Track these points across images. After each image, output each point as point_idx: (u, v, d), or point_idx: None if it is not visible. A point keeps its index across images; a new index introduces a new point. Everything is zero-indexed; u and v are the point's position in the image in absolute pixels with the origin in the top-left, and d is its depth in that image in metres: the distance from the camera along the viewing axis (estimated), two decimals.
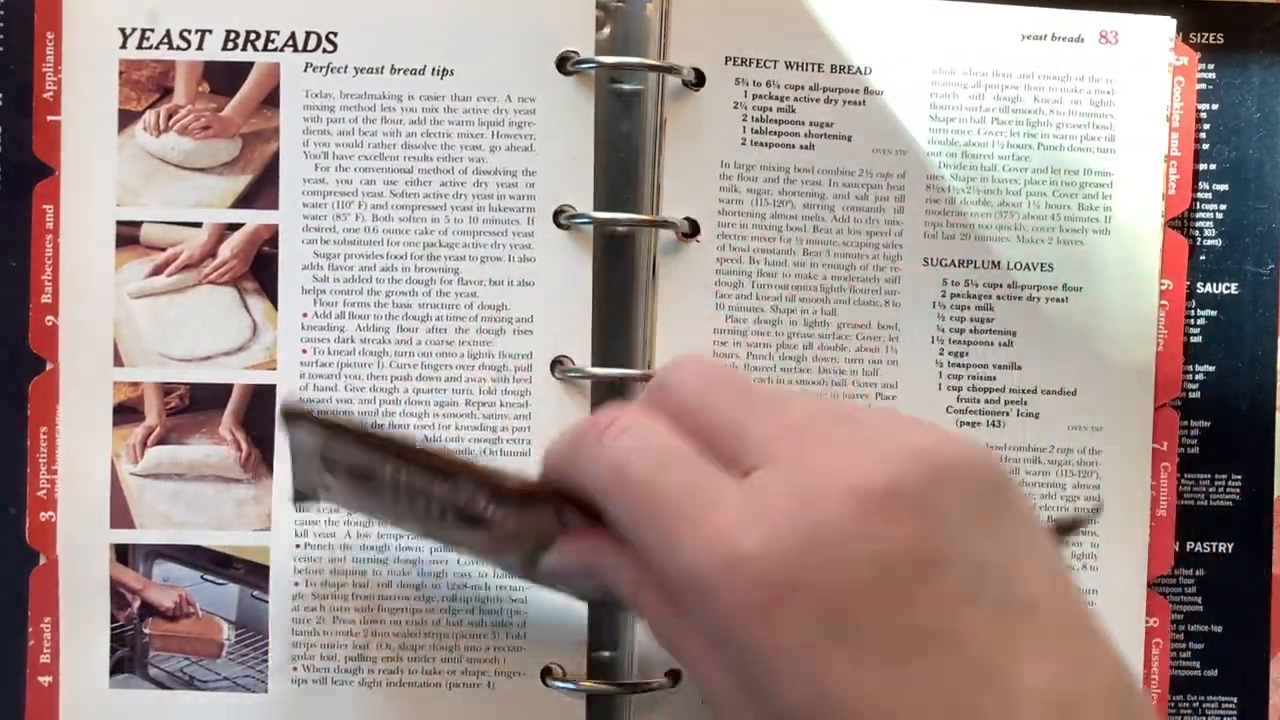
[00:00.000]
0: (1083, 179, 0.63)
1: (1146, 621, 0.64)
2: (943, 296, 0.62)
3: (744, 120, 0.62)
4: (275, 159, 0.61)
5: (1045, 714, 0.35)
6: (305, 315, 0.61)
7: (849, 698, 0.35)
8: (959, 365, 0.63)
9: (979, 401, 0.63)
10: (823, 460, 0.38)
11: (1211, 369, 0.65)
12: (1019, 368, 0.63)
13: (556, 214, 0.61)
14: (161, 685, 0.61)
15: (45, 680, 0.60)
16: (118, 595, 0.61)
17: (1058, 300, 0.63)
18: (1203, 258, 0.65)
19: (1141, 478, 0.64)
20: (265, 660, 0.61)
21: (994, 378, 0.63)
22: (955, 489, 0.38)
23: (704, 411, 0.42)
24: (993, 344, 0.63)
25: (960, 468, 0.38)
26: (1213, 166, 0.65)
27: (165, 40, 0.61)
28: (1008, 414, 0.63)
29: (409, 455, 0.47)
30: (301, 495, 0.54)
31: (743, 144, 0.62)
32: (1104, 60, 0.63)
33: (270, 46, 0.61)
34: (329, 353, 0.61)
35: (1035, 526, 0.39)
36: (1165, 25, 0.64)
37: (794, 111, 0.62)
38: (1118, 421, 0.63)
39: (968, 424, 0.63)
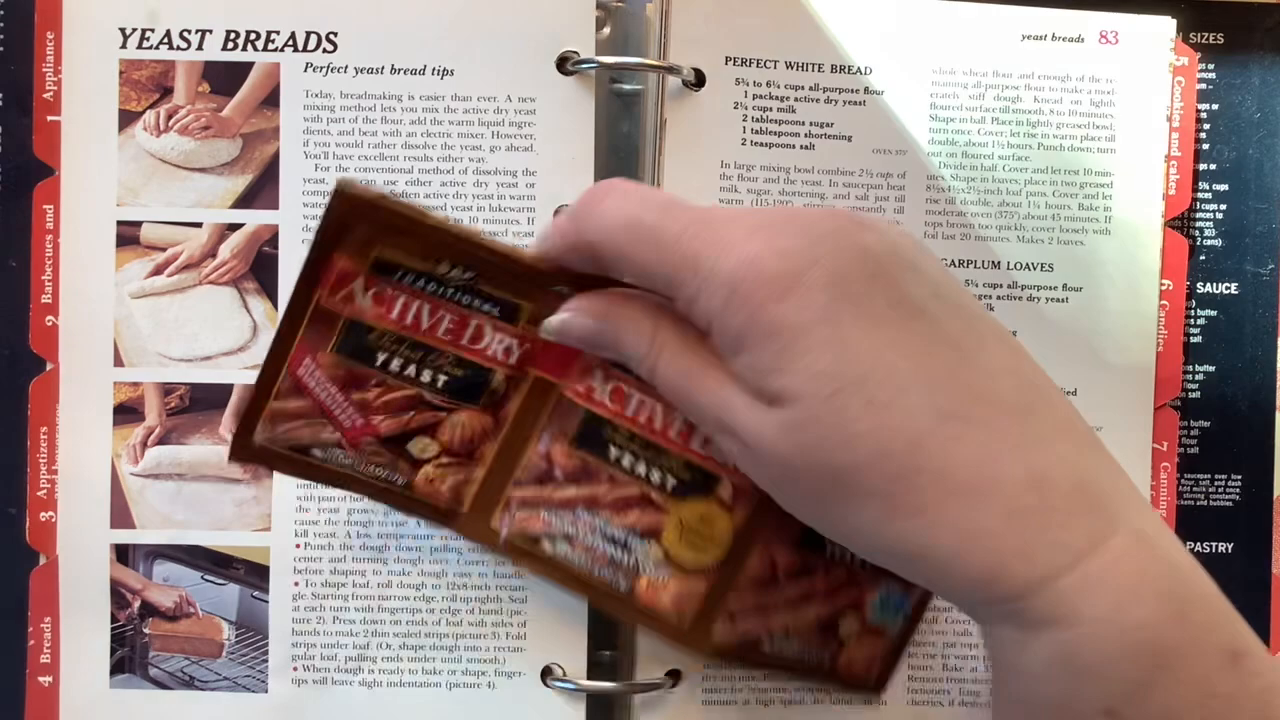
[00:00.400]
0: (1083, 179, 0.63)
1: None
2: None
3: (744, 120, 0.62)
4: (275, 159, 0.61)
5: (1016, 387, 0.43)
6: None
7: (865, 352, 0.42)
8: None
9: None
10: (795, 211, 0.45)
11: (1211, 369, 0.65)
12: None
13: (556, 214, 0.61)
14: (161, 685, 0.61)
15: (45, 680, 0.61)
16: (118, 595, 0.61)
17: (1058, 300, 0.63)
18: (1203, 258, 0.65)
19: (1140, 478, 0.64)
20: (265, 660, 0.61)
21: None
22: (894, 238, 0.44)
23: (640, 239, 0.47)
24: None
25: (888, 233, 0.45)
26: (1213, 166, 0.65)
27: (165, 40, 0.61)
28: None
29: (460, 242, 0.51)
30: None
31: (743, 144, 0.62)
32: (1104, 60, 0.63)
33: (270, 46, 0.61)
34: None
35: (946, 281, 0.46)
36: (1165, 25, 0.64)
37: (794, 111, 0.62)
38: (1117, 421, 0.63)
39: None
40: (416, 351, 0.54)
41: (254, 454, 0.54)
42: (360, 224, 0.51)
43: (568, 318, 0.51)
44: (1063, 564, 0.40)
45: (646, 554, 0.55)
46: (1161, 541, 0.41)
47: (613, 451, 0.55)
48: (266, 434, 0.54)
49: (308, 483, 0.59)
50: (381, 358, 0.54)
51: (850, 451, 0.42)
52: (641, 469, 0.55)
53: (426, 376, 0.54)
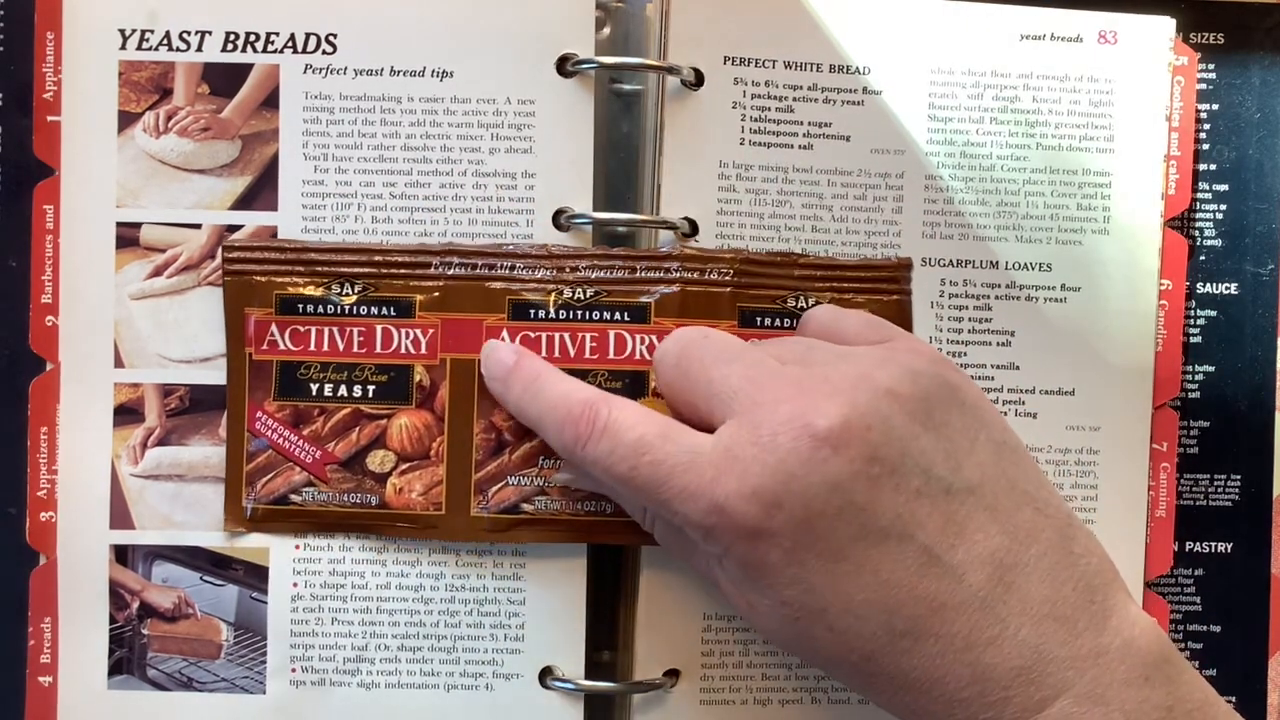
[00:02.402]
0: (1081, 179, 0.63)
1: None
2: (941, 296, 0.62)
3: (743, 120, 0.62)
4: (275, 160, 0.61)
5: (987, 577, 0.45)
6: None
7: (826, 589, 0.45)
8: (957, 365, 0.63)
9: None
10: (776, 406, 0.46)
11: (1211, 369, 0.65)
12: (1017, 367, 0.63)
13: (556, 215, 0.61)
14: (160, 686, 0.61)
15: (45, 680, 0.61)
16: (117, 596, 0.61)
17: (1056, 300, 0.63)
18: (1203, 258, 0.65)
19: (1139, 478, 0.64)
20: (264, 662, 0.61)
21: (992, 377, 0.63)
22: (897, 404, 0.46)
23: (681, 377, 0.51)
24: (991, 344, 0.63)
25: (901, 385, 0.47)
26: (1213, 166, 0.65)
27: (165, 41, 0.61)
28: (1006, 413, 0.63)
29: None
30: None
31: (741, 144, 0.62)
32: (1103, 60, 0.63)
33: (270, 48, 0.61)
34: None
35: (981, 415, 0.48)
36: (1165, 25, 0.64)
37: (793, 111, 0.62)
38: (1116, 422, 0.63)
39: None
40: (341, 372, 0.59)
41: (246, 521, 0.61)
42: (253, 272, 0.60)
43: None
44: None
45: None
46: (1118, 695, 0.44)
47: None
48: (250, 498, 0.60)
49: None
50: (315, 388, 0.60)
51: (814, 656, 0.48)
52: None
53: (357, 391, 0.60)
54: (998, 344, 0.63)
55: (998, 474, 0.47)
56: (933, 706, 0.46)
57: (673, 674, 0.61)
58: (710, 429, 0.49)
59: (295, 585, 0.61)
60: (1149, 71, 0.63)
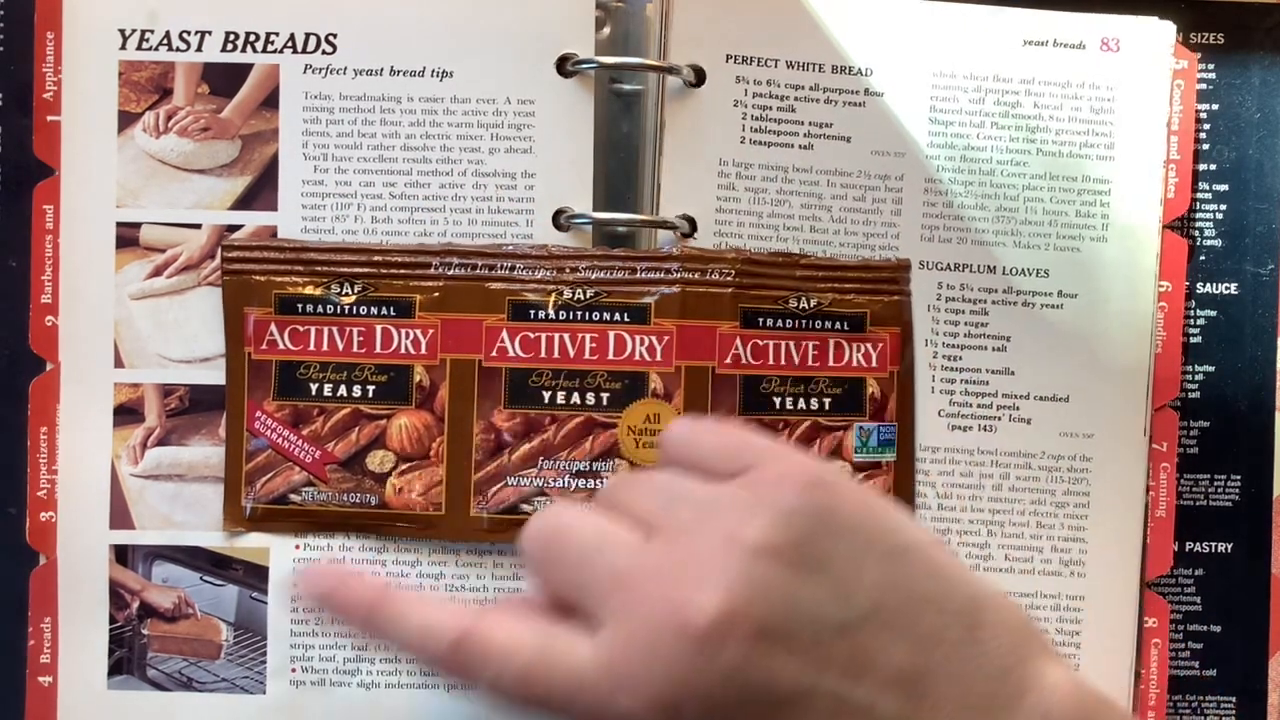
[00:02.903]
0: (1081, 185, 0.63)
1: (1145, 621, 0.64)
2: (938, 300, 0.62)
3: (743, 119, 0.62)
4: (274, 160, 0.61)
5: (896, 697, 0.42)
6: None
7: None
8: (952, 369, 0.63)
9: (971, 406, 0.63)
10: (651, 608, 0.42)
11: (1211, 369, 0.65)
12: (1012, 373, 0.63)
13: (556, 215, 0.61)
14: (160, 686, 0.61)
15: (45, 680, 0.61)
16: (117, 596, 0.61)
17: (1053, 306, 0.63)
18: (1202, 258, 0.65)
19: (1133, 484, 0.64)
20: (264, 662, 0.61)
21: (987, 382, 0.63)
22: (773, 562, 0.42)
23: (549, 569, 0.45)
24: (986, 348, 0.63)
25: (774, 536, 0.42)
26: (1213, 167, 0.65)
27: (165, 41, 0.61)
28: (999, 419, 0.63)
29: None
30: None
31: (742, 142, 0.62)
32: (1105, 67, 0.63)
33: (270, 48, 0.61)
34: None
35: (865, 531, 0.43)
36: (1166, 31, 0.63)
37: (794, 111, 0.62)
38: (1110, 428, 0.63)
39: (959, 428, 0.63)
40: (341, 372, 0.60)
41: (246, 521, 0.61)
42: (253, 271, 0.60)
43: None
44: None
45: (615, 471, 0.60)
46: None
47: (545, 395, 0.60)
48: (250, 497, 0.60)
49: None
50: (314, 388, 0.60)
51: None
52: (576, 398, 0.60)
53: (357, 391, 0.60)
54: (993, 349, 0.63)
55: (891, 588, 0.43)
56: None
57: None
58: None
59: (295, 585, 0.61)
60: (1150, 79, 0.63)
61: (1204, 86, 0.65)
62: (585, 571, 0.44)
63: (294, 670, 0.61)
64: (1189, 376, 0.65)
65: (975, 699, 0.43)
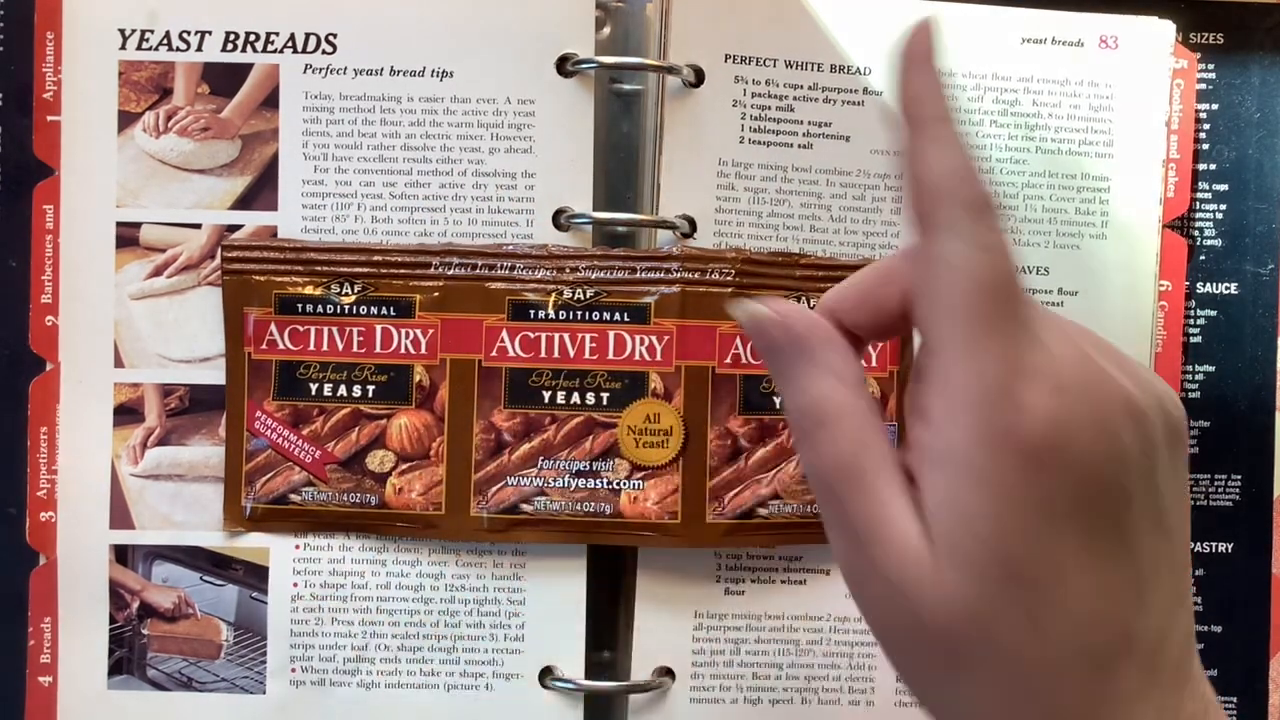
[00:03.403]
0: (1080, 183, 0.63)
1: None
2: None
3: (743, 118, 0.62)
4: (274, 160, 0.61)
5: (1156, 630, 0.38)
6: None
7: (1065, 571, 0.37)
8: None
9: None
10: (1098, 360, 0.39)
11: (1211, 369, 0.65)
12: None
13: (556, 215, 0.61)
14: (160, 686, 0.61)
15: (45, 680, 0.61)
16: (117, 596, 0.61)
17: (1054, 304, 0.62)
18: (1202, 258, 0.65)
19: None
20: (264, 661, 0.61)
21: None
22: (1165, 422, 0.39)
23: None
24: None
25: (1169, 404, 0.40)
26: (1212, 167, 0.65)
27: (165, 41, 0.61)
28: None
29: None
30: None
31: (741, 142, 0.62)
32: (1104, 65, 0.63)
33: (270, 48, 0.61)
34: None
35: (1188, 468, 0.41)
36: (1165, 30, 0.64)
37: (793, 110, 0.62)
38: None
39: None
40: (341, 372, 0.60)
41: (246, 521, 0.61)
42: (253, 271, 0.60)
43: (767, 319, 0.43)
44: None
45: (615, 471, 0.60)
46: None
47: (545, 395, 0.60)
48: (249, 497, 0.60)
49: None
50: (314, 387, 0.60)
51: (985, 649, 0.38)
52: (576, 397, 0.60)
53: (357, 391, 0.60)
54: None
55: (1185, 531, 0.41)
56: None
57: (669, 673, 0.61)
58: None
59: (295, 585, 0.61)
60: (1149, 77, 0.63)
61: (1204, 86, 0.65)
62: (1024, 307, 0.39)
63: (294, 670, 0.61)
64: (1189, 376, 0.65)
65: (1180, 676, 0.40)
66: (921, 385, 0.39)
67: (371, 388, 0.60)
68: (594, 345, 0.59)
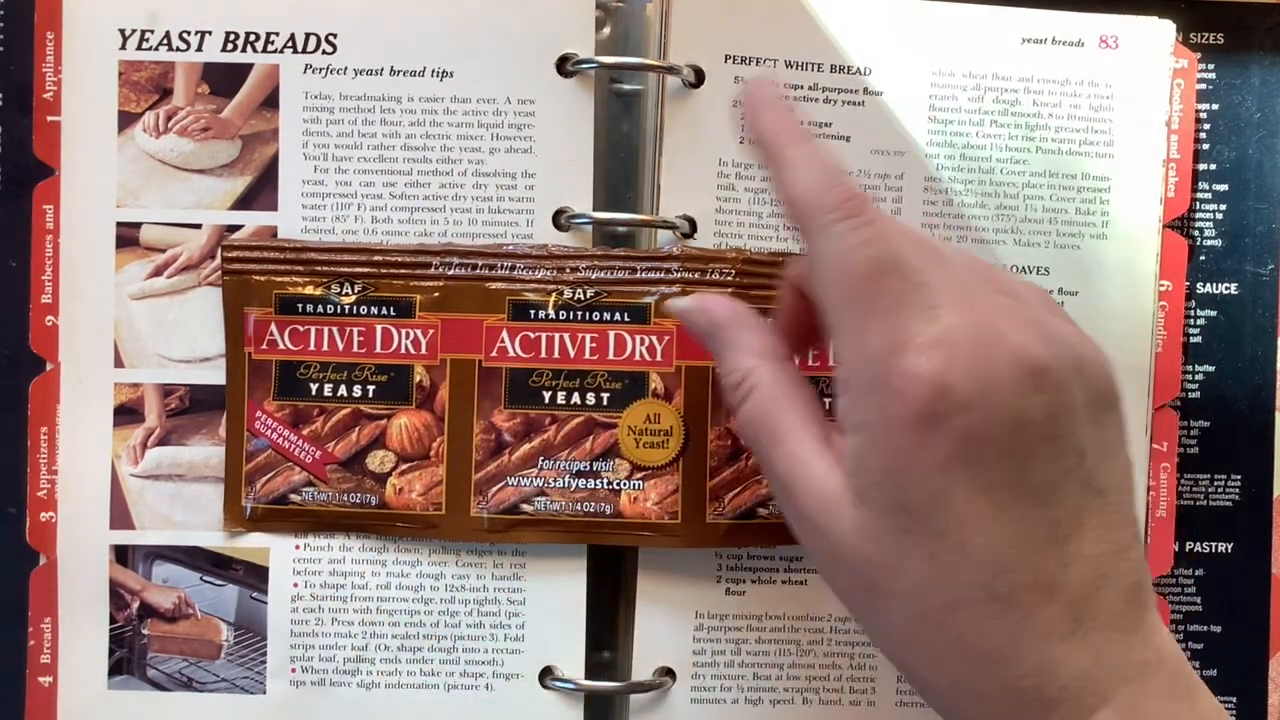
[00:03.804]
0: (1080, 183, 0.63)
1: None
2: None
3: (743, 119, 0.62)
4: (275, 160, 0.61)
5: (1085, 578, 0.44)
6: None
7: (958, 514, 0.43)
8: None
9: None
10: (994, 322, 0.44)
11: (1211, 369, 0.65)
12: None
13: (556, 215, 0.61)
14: (160, 686, 0.61)
15: (45, 680, 0.61)
16: (117, 596, 0.61)
17: None
18: (1203, 258, 0.65)
19: (1139, 479, 0.64)
20: (264, 662, 0.61)
21: None
22: (1084, 382, 0.45)
23: (894, 259, 0.46)
24: None
25: (1091, 366, 0.46)
26: (1213, 167, 0.65)
27: (165, 41, 0.61)
28: None
29: None
30: None
31: (741, 142, 0.62)
32: (1104, 65, 0.63)
33: (270, 48, 0.61)
34: None
35: (1123, 427, 0.48)
36: (1165, 30, 0.63)
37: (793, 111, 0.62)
38: None
39: None
40: (341, 372, 0.60)
41: (246, 521, 0.61)
42: (253, 272, 0.60)
43: (692, 310, 0.53)
44: None
45: (615, 471, 0.60)
46: (1154, 708, 0.44)
47: (545, 395, 0.60)
48: (250, 497, 0.60)
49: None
50: (314, 388, 0.60)
51: (893, 582, 0.45)
52: (576, 398, 0.60)
53: (357, 391, 0.60)
54: None
55: (1121, 490, 0.47)
56: (986, 689, 0.45)
57: (669, 673, 0.61)
58: None
59: (295, 585, 0.61)
60: (1149, 76, 0.63)
61: (1204, 86, 0.65)
62: (934, 273, 0.46)
63: (294, 670, 0.61)
64: (1189, 376, 0.65)
65: (1123, 620, 0.45)
66: (835, 363, 0.46)
67: (372, 388, 0.60)
68: (594, 345, 0.59)
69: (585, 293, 0.60)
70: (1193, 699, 0.46)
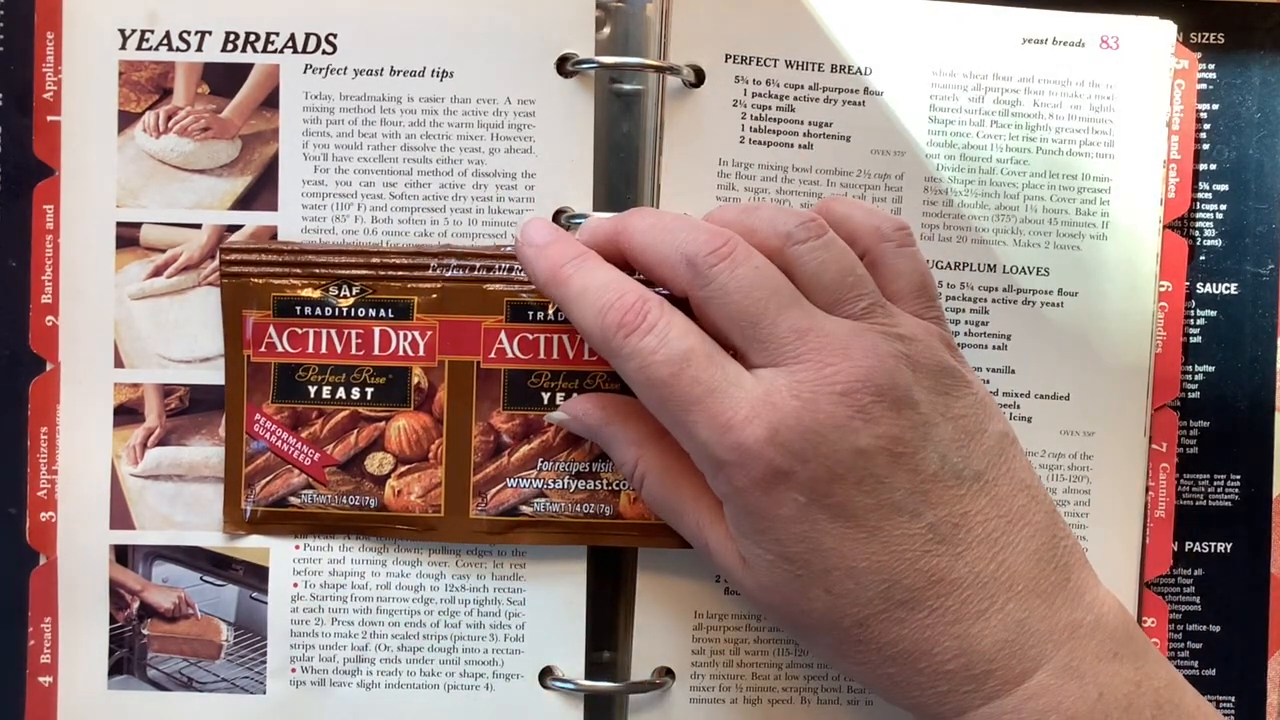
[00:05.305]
0: (1081, 184, 0.63)
1: (1144, 621, 0.64)
2: (939, 298, 0.62)
3: (743, 118, 0.62)
4: (274, 160, 0.61)
5: (981, 556, 0.47)
6: None
7: (833, 551, 0.47)
8: None
9: None
10: (822, 367, 0.47)
11: (1211, 369, 0.65)
12: (1012, 371, 0.63)
13: (556, 215, 0.61)
14: (160, 686, 0.61)
15: (45, 680, 0.61)
16: (117, 596, 0.61)
17: (1053, 305, 0.63)
18: (1203, 258, 0.65)
19: (1133, 483, 0.64)
20: (264, 662, 0.61)
21: (987, 380, 0.62)
22: (928, 388, 0.48)
23: (719, 298, 0.50)
24: (987, 347, 0.63)
25: (924, 361, 0.49)
26: (1213, 167, 0.65)
27: (165, 41, 0.61)
28: None
29: None
30: None
31: (741, 142, 0.62)
32: (1105, 65, 0.63)
33: (270, 48, 0.61)
34: None
35: (988, 406, 0.51)
36: (1166, 30, 0.63)
37: (793, 110, 0.62)
38: (1110, 427, 0.63)
39: None
40: (339, 374, 0.60)
41: (245, 524, 0.61)
42: (251, 274, 0.60)
43: (567, 420, 0.57)
44: (970, 705, 0.47)
45: (614, 472, 0.60)
46: (1091, 668, 0.47)
47: (544, 396, 0.60)
48: (249, 500, 0.60)
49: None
50: (313, 390, 0.60)
51: (805, 618, 0.49)
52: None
53: (355, 393, 0.60)
54: (994, 347, 0.63)
55: (1000, 463, 0.49)
56: (917, 679, 0.48)
57: (669, 673, 0.61)
58: (731, 348, 0.50)
59: (295, 585, 0.61)
60: (1150, 77, 0.63)
61: (1204, 86, 0.65)
62: (772, 312, 0.48)
63: (294, 670, 0.61)
64: (1189, 376, 0.65)
65: (1042, 585, 0.48)
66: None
67: (370, 390, 0.60)
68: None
69: None
70: (1139, 660, 0.48)
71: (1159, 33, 0.63)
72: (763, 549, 0.49)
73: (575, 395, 0.58)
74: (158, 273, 0.61)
